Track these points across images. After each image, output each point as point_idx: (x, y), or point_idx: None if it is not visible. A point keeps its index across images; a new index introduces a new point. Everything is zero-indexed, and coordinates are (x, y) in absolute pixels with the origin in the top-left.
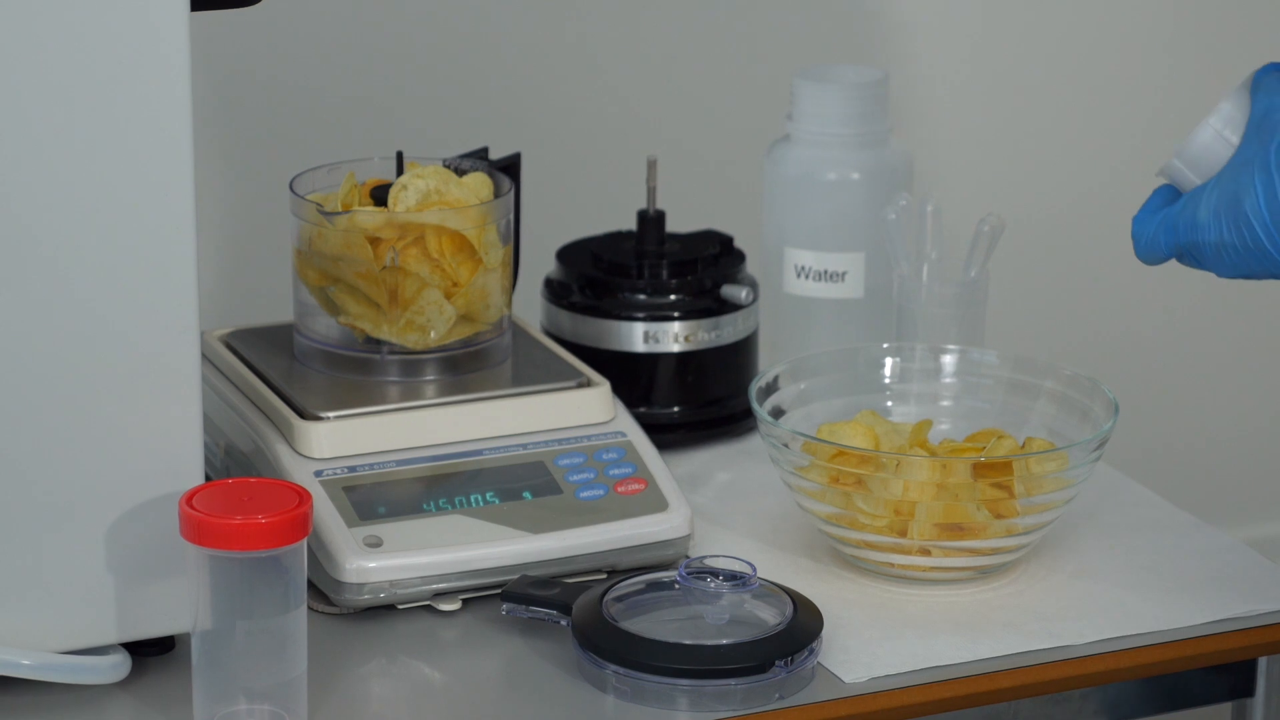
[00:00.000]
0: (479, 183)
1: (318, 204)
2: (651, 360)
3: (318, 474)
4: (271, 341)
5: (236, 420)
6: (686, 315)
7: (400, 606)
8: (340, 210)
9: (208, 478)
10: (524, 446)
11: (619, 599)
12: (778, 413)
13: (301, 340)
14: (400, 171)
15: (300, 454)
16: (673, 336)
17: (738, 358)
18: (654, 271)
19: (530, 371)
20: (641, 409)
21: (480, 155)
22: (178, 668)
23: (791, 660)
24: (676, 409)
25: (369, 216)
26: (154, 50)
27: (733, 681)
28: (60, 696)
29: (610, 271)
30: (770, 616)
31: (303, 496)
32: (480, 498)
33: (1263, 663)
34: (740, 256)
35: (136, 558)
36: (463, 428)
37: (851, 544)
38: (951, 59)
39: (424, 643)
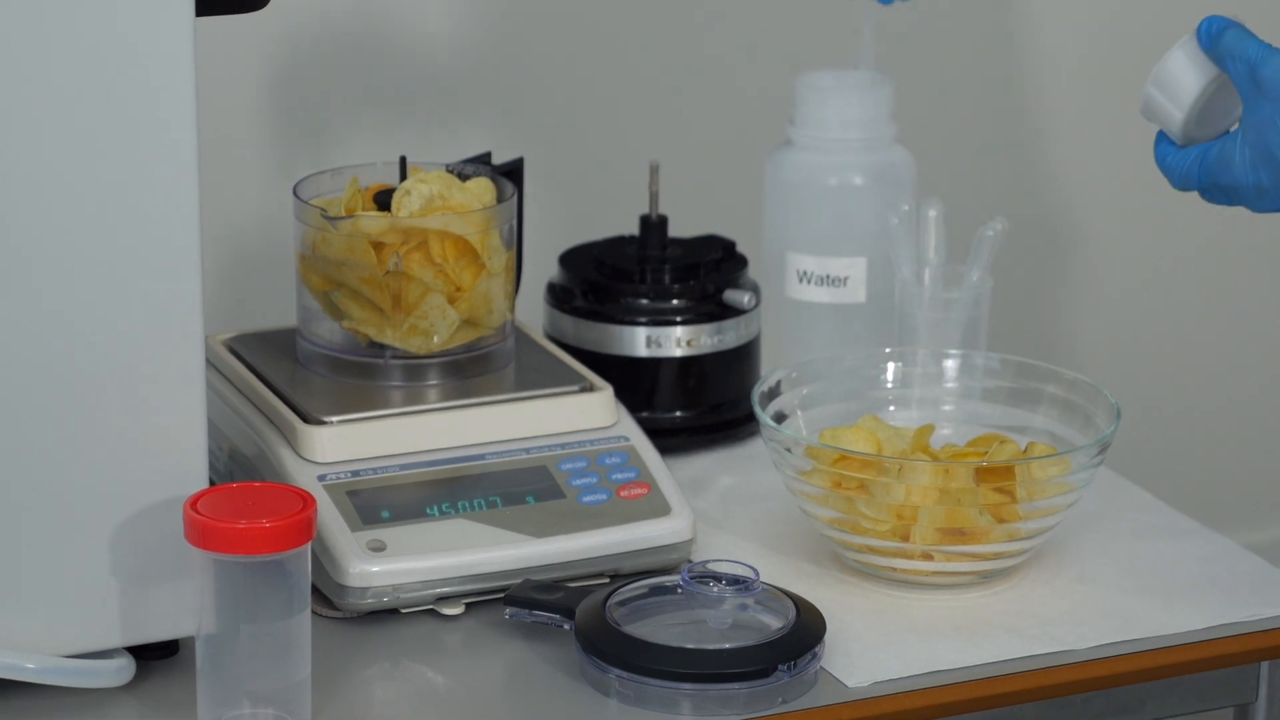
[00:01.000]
0: (482, 188)
1: (322, 209)
2: (654, 365)
3: (321, 478)
4: (275, 346)
5: (240, 424)
6: (689, 320)
7: (403, 610)
8: (344, 215)
9: (211, 482)
10: (527, 451)
11: (622, 603)
12: (780, 417)
13: (305, 345)
14: (404, 176)
15: (304, 458)
16: (675, 341)
17: (740, 362)
18: (656, 276)
19: (533, 376)
20: (644, 413)
21: (483, 160)
22: (182, 672)
23: (794, 665)
24: (679, 413)
25: (372, 221)
26: (159, 54)
27: (735, 686)
28: (64, 700)
29: (613, 276)
30: (773, 621)
31: (306, 501)
32: (483, 502)
33: (1264, 667)
34: (742, 261)
35: (141, 562)
36: (466, 432)
37: (854, 548)
38: (954, 64)
39: (427, 647)
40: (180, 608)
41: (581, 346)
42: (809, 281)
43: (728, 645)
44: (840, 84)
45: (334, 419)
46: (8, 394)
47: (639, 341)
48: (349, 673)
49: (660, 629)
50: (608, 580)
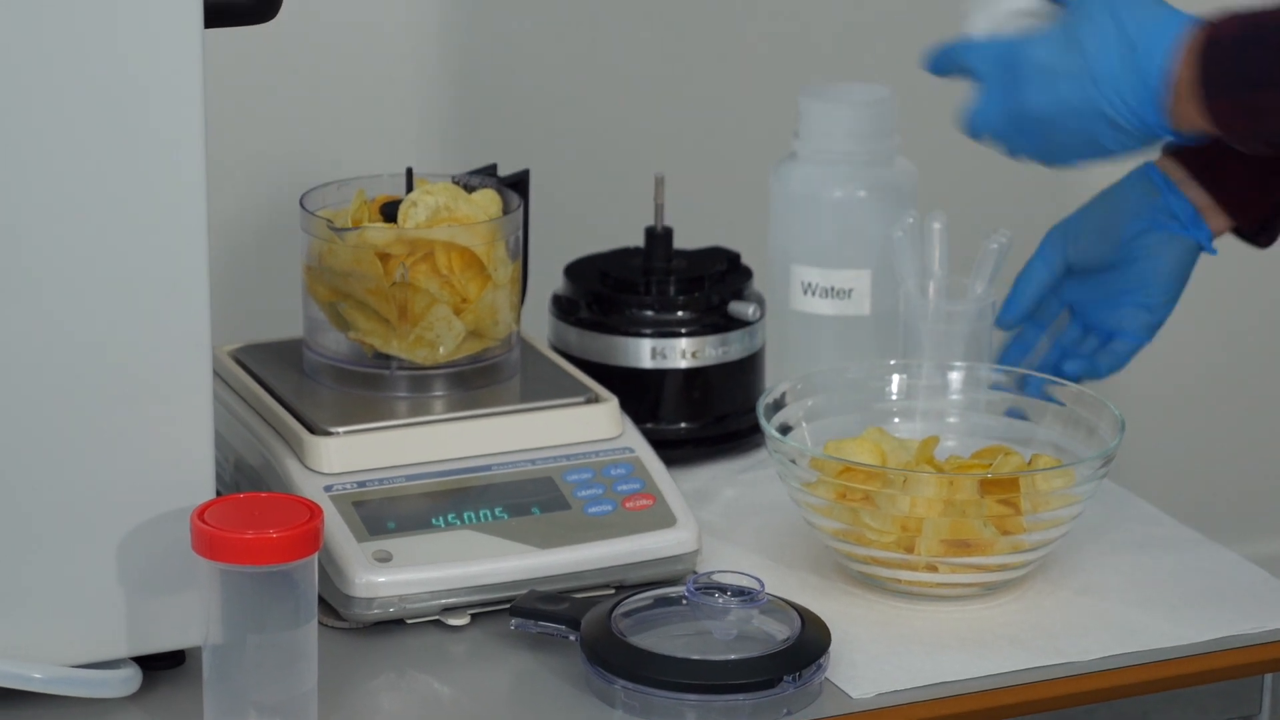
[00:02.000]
0: (488, 199)
1: (328, 220)
2: (659, 376)
3: (328, 489)
4: (281, 357)
5: (247, 435)
6: (694, 331)
7: (409, 621)
8: (350, 226)
9: (218, 493)
10: (532, 462)
11: (627, 614)
12: (785, 429)
13: (311, 356)
14: (410, 188)
15: (310, 469)
16: (680, 353)
17: (744, 374)
18: (661, 288)
19: (538, 387)
20: (649, 425)
21: (489, 172)
22: (188, 682)
23: (799, 676)
24: (684, 425)
25: (379, 233)
26: (168, 67)
27: (741, 697)
28: (71, 710)
29: (618, 288)
30: (778, 632)
31: (313, 511)
32: (489, 513)
33: (1268, 679)
34: (747, 273)
35: (148, 572)
36: (471, 443)
37: (859, 560)
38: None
39: (433, 657)
40: (187, 618)
41: (587, 358)
42: (813, 294)
43: (733, 656)
44: (844, 98)
45: (340, 430)
46: (17, 405)
47: (644, 353)
48: (355, 683)
49: (665, 640)
50: (613, 591)
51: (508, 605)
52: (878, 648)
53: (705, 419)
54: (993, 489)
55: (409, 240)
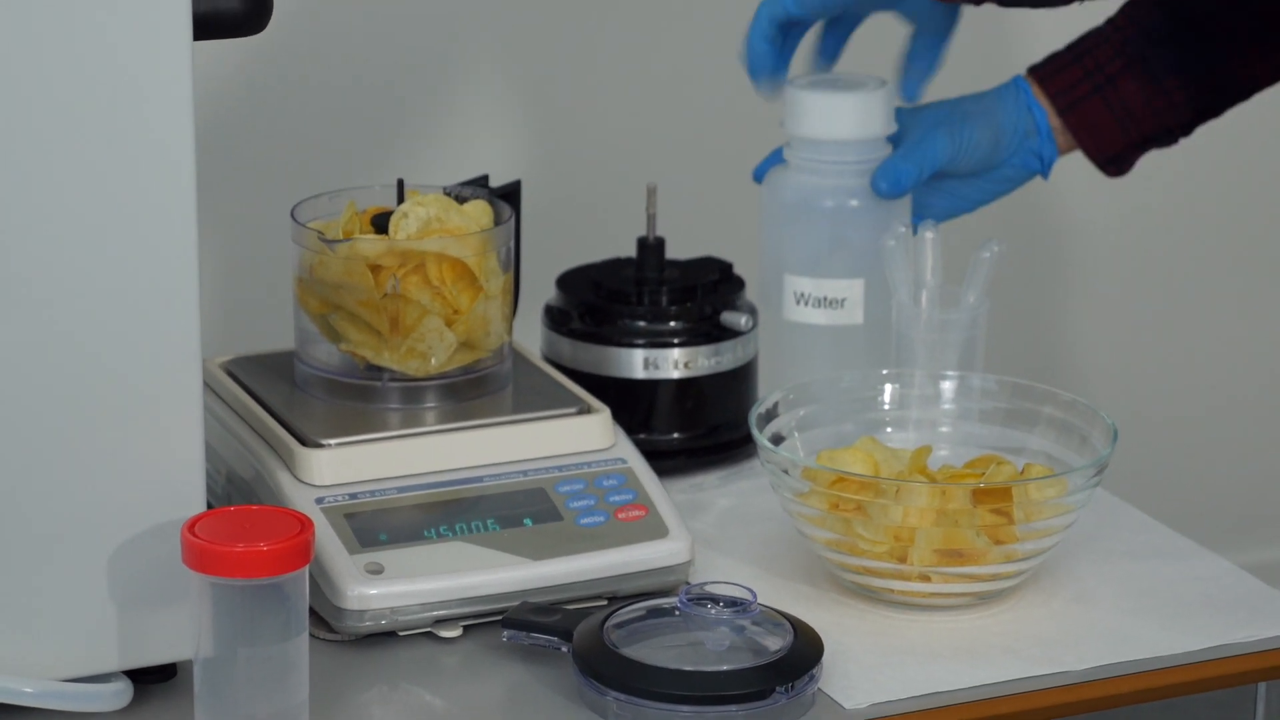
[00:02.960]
0: (479, 210)
1: (319, 231)
2: (651, 387)
3: (319, 501)
4: (272, 369)
5: (237, 447)
6: (686, 342)
7: (401, 633)
8: (341, 238)
9: (209, 505)
10: (524, 473)
11: (619, 625)
12: (777, 439)
13: (302, 367)
14: (401, 199)
15: (301, 481)
16: (672, 363)
17: (737, 384)
18: (654, 298)
19: (530, 398)
20: (641, 435)
21: (481, 183)
22: (179, 695)
23: (793, 686)
24: (676, 435)
25: (370, 244)
26: (157, 78)
27: (734, 708)
28: None
29: (610, 298)
30: (771, 643)
31: (304, 524)
32: (481, 524)
33: (1262, 688)
34: (739, 283)
35: (138, 585)
36: (463, 454)
37: (851, 570)
38: (950, 84)
39: (425, 669)
40: (178, 631)
41: (579, 369)
42: (806, 303)
43: (725, 667)
44: (836, 106)
45: (331, 442)
46: (7, 417)
47: (636, 363)
48: (347, 696)
49: (658, 651)
50: (605, 602)
51: (500, 617)
52: (871, 658)
53: (698, 429)
54: (985, 498)
55: (400, 252)
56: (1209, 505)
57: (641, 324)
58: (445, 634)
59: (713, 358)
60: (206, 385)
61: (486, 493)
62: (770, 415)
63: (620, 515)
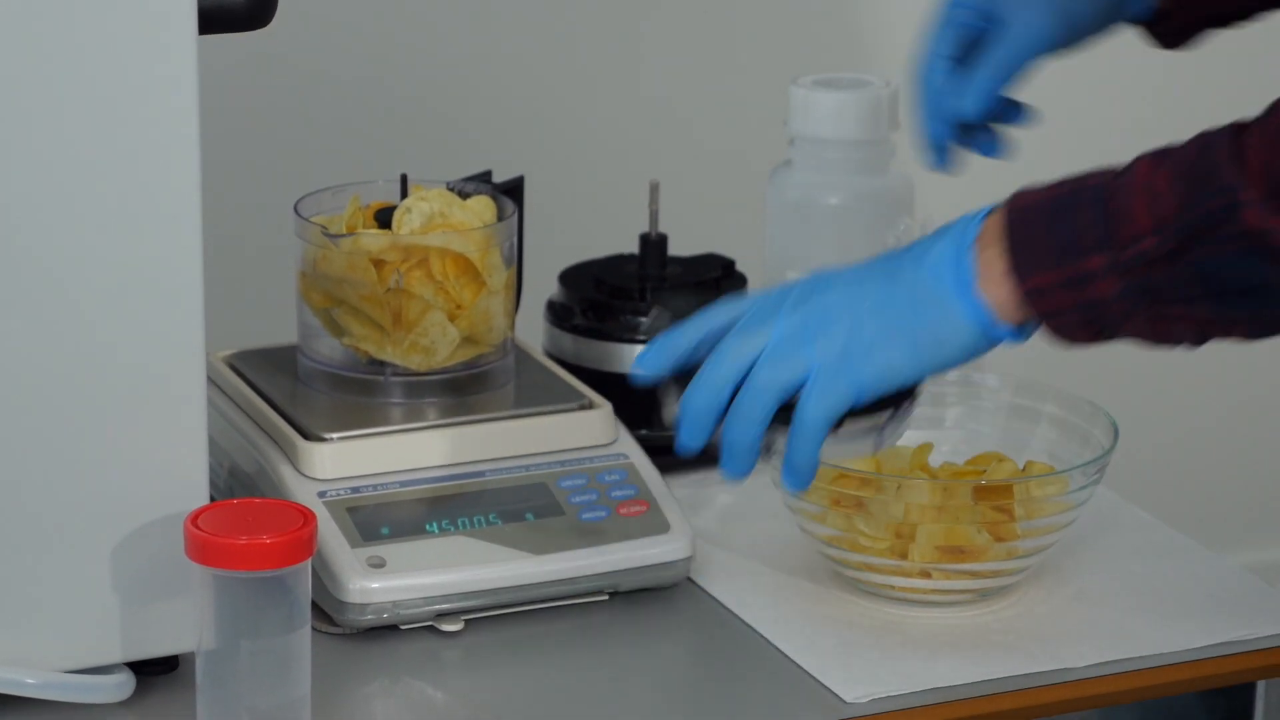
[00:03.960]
0: (483, 206)
1: (322, 226)
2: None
3: (321, 494)
4: (275, 363)
5: (240, 441)
6: None
7: (403, 627)
8: (345, 233)
9: (212, 498)
10: (526, 468)
11: None
12: None
13: (305, 362)
14: (404, 194)
15: (304, 474)
16: None
17: None
18: (657, 294)
19: (533, 393)
20: (643, 431)
21: (484, 178)
22: (182, 687)
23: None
24: None
25: (373, 239)
26: (162, 72)
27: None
28: (64, 716)
29: (612, 294)
30: None
31: (307, 517)
32: (483, 519)
33: (1261, 686)
34: (742, 280)
35: (141, 577)
36: (465, 449)
37: (852, 566)
38: None
39: (427, 663)
40: (180, 624)
41: (581, 364)
42: None
43: None
44: (840, 104)
45: (334, 436)
46: (11, 410)
47: None
48: (349, 689)
49: None
50: (607, 597)
51: (501, 611)
52: (872, 653)
53: None
54: (986, 495)
55: (403, 246)
56: (1210, 504)
57: (644, 320)
58: (447, 628)
59: None
60: (210, 379)
61: (488, 487)
62: None
63: (622, 510)
